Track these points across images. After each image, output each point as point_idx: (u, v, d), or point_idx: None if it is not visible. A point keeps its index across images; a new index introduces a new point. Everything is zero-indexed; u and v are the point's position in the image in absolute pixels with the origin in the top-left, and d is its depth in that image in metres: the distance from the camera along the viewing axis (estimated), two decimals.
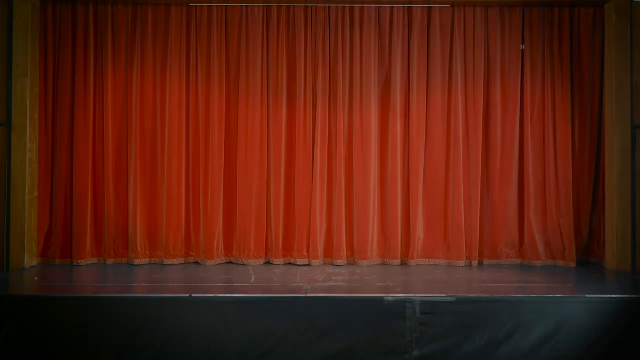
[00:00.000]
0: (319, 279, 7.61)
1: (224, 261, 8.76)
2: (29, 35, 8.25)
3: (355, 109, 8.79)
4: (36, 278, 7.66)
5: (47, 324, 6.36)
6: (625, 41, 8.20)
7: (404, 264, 8.70)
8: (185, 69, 8.80)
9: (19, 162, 8.18)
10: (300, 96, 8.78)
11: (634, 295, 6.58)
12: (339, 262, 8.63)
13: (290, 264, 8.71)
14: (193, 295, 6.48)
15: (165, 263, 8.61)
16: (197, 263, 8.72)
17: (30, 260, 8.29)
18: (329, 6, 8.76)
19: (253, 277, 7.74)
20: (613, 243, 8.24)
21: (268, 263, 8.74)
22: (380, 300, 6.43)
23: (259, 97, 8.78)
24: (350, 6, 8.81)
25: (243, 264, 8.63)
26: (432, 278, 7.84)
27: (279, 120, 8.74)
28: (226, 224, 8.80)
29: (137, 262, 8.60)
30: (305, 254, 8.71)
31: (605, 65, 8.48)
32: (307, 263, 8.66)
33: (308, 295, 6.52)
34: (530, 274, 8.04)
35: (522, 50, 8.81)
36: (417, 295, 6.47)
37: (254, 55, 8.78)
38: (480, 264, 8.73)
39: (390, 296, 6.45)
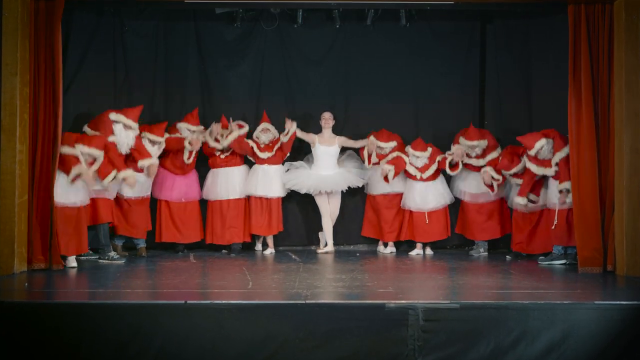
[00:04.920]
0: None
1: None
2: (19, 33, 8.13)
3: None
4: (26, 284, 7.57)
5: (37, 331, 6.25)
6: (635, 39, 8.11)
7: None
8: None
9: (8, 164, 8.08)
10: None
11: None
12: None
13: None
14: (188, 301, 6.39)
15: None
16: None
17: (20, 265, 8.17)
18: None
19: None
20: (623, 248, 8.13)
21: None
22: (381, 306, 6.33)
23: None
24: None
25: None
26: (434, 284, 7.75)
27: None
28: None
29: None
30: None
31: (614, 64, 8.35)
32: None
33: (307, 301, 6.42)
34: (538, 279, 7.91)
35: None
36: (420, 302, 6.38)
37: None
38: None
39: (392, 303, 6.36)
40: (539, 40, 10.07)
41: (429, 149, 9.91)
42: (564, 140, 8.87)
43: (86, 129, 9.20)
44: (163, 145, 9.65)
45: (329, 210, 10.18)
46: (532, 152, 8.99)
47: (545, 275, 8.19)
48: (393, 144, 10.04)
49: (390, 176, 9.80)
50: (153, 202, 9.95)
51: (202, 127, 10.00)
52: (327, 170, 10.14)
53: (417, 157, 9.89)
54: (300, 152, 10.48)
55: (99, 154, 8.79)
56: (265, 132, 10.11)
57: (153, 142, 9.57)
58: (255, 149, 10.04)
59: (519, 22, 10.26)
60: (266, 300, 6.56)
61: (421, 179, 9.90)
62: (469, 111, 10.51)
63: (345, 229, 10.57)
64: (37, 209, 8.31)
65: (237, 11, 10.07)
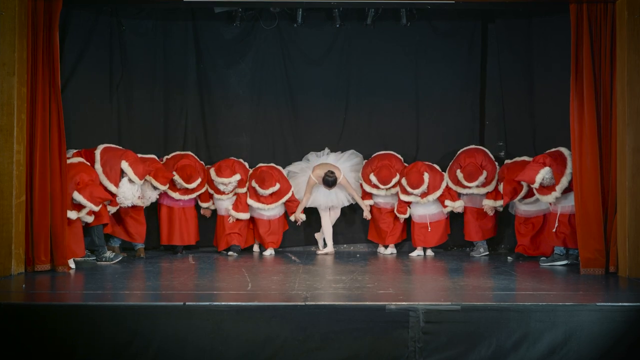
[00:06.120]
0: None
1: None
2: (17, 32, 8.04)
3: None
4: (23, 285, 7.52)
5: (34, 333, 6.21)
6: (637, 38, 8.03)
7: None
8: None
9: (5, 165, 8.01)
10: None
11: None
12: None
13: None
14: (187, 303, 6.35)
15: None
16: None
17: (18, 266, 8.10)
18: None
19: None
20: (625, 249, 8.06)
21: None
22: (382, 308, 6.29)
23: None
24: None
25: None
26: (435, 285, 7.70)
27: None
28: None
29: None
30: None
31: (617, 63, 8.28)
32: None
33: (307, 303, 6.38)
34: (539, 280, 7.84)
35: None
36: (421, 304, 6.34)
37: None
38: None
39: (392, 304, 6.31)
40: (541, 39, 10.02)
41: (425, 177, 9.68)
42: (561, 162, 8.83)
43: (98, 155, 9.19)
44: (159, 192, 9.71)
45: (330, 213, 10.13)
46: (536, 186, 8.92)
47: (547, 277, 8.12)
48: (395, 179, 9.88)
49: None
50: (153, 205, 9.93)
51: (238, 177, 9.85)
52: None
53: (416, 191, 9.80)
54: (297, 150, 10.49)
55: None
56: (267, 193, 9.88)
57: (154, 188, 9.56)
58: (259, 210, 9.96)
59: (521, 22, 10.21)
60: (265, 302, 6.50)
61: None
62: (469, 111, 10.47)
63: (345, 230, 10.53)
64: (37, 210, 8.23)
65: (236, 10, 10.01)
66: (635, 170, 8.02)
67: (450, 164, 9.93)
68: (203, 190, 9.89)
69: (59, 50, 8.46)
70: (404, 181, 9.74)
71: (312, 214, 10.25)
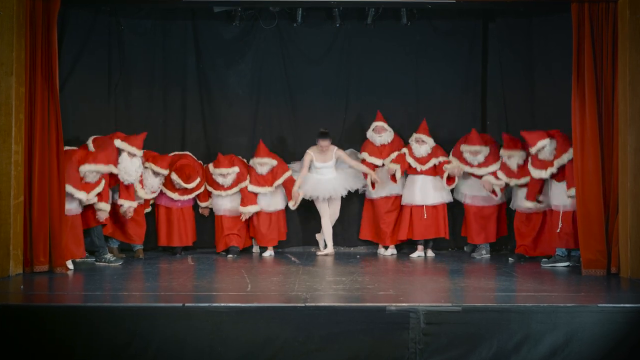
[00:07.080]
0: None
1: None
2: (15, 32, 8.03)
3: None
4: (22, 287, 7.51)
5: (33, 334, 6.21)
6: (639, 38, 8.00)
7: None
8: None
9: (3, 165, 7.99)
10: None
11: None
12: None
13: None
14: (186, 304, 6.35)
15: None
16: None
17: (16, 267, 8.08)
18: None
19: None
20: (627, 250, 8.04)
21: None
22: (382, 309, 6.27)
23: None
24: None
25: None
26: (436, 286, 7.68)
27: None
28: None
29: None
30: None
31: (618, 63, 8.25)
32: None
33: (307, 304, 6.37)
34: (541, 282, 7.82)
35: None
36: (421, 305, 6.33)
37: None
38: None
39: (392, 305, 6.30)
40: (542, 38, 10.01)
41: (431, 139, 9.83)
42: (569, 143, 8.77)
43: (90, 143, 9.19)
44: (163, 179, 9.65)
45: (329, 213, 10.09)
46: (533, 150, 8.88)
47: (548, 278, 8.10)
48: (391, 133, 10.00)
49: (397, 175, 9.75)
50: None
51: (237, 169, 9.82)
52: (325, 174, 10.03)
53: (420, 145, 9.76)
54: (297, 150, 10.45)
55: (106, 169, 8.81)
56: (263, 165, 9.94)
57: (156, 174, 9.51)
58: (262, 195, 9.96)
59: (522, 21, 10.18)
60: (265, 303, 6.50)
61: (421, 172, 9.80)
62: (470, 110, 10.46)
63: (345, 231, 10.50)
64: (36, 211, 8.20)
65: (236, 10, 10.00)
66: (637, 171, 7.99)
67: (456, 144, 9.94)
68: (201, 190, 9.87)
69: (57, 50, 8.44)
70: (411, 138, 9.90)
71: (312, 213, 10.24)
